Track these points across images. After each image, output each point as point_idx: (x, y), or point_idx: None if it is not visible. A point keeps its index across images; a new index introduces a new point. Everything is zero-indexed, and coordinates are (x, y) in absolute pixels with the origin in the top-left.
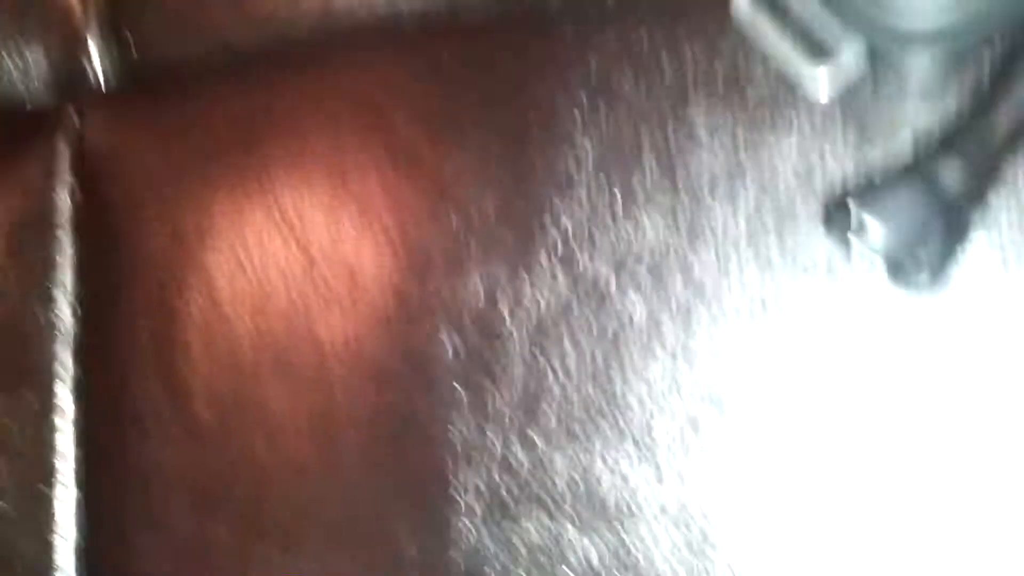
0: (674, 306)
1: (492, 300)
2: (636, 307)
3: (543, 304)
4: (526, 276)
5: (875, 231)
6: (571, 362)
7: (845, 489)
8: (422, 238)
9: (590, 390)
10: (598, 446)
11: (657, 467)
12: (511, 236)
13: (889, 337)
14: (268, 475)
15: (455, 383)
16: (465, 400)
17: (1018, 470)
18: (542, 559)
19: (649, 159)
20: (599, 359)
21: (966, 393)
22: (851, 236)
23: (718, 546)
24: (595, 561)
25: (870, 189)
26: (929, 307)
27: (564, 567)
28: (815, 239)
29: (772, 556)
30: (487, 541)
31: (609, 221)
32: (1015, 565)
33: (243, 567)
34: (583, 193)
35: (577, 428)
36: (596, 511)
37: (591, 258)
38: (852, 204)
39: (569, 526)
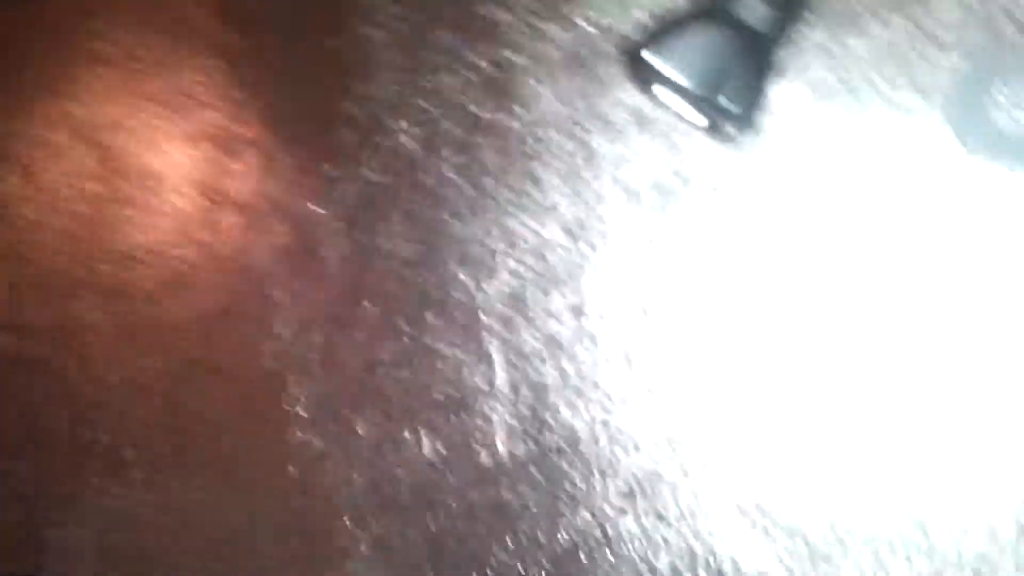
0: (492, 174)
1: (304, 191)
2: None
3: (354, 189)
4: (332, 165)
5: (673, 76)
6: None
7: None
8: (229, 136)
9: (411, 275)
10: (427, 339)
11: (489, 356)
12: (314, 126)
13: (707, 182)
14: (86, 397)
15: (272, 286)
16: (287, 301)
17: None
18: (377, 456)
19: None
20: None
21: (788, 232)
22: (653, 87)
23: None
24: (427, 451)
25: (664, 36)
26: (745, 150)
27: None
28: (624, 96)
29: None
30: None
31: (413, 98)
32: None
33: (75, 496)
34: (384, 75)
35: (401, 320)
36: (427, 404)
37: (399, 137)
38: (646, 54)
39: (404, 425)
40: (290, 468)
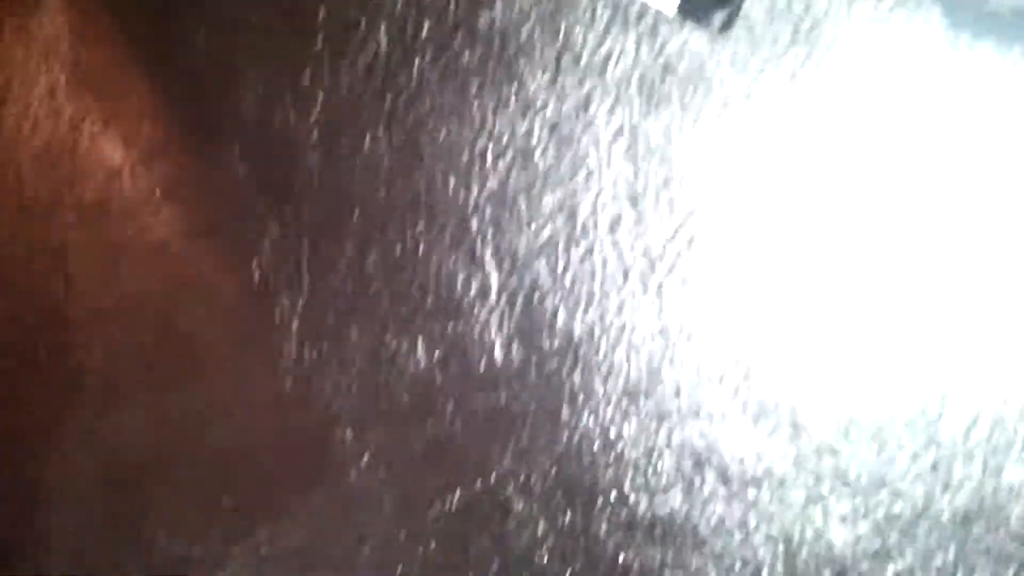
0: (473, 76)
1: (282, 103)
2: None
3: (334, 98)
4: (310, 75)
5: None
6: (379, 154)
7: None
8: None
9: (397, 182)
10: (418, 246)
11: (482, 261)
12: (288, 36)
13: (692, 74)
14: (75, 320)
15: (256, 200)
16: (271, 215)
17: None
18: (372, 366)
19: None
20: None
21: (776, 120)
22: None
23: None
24: (423, 359)
25: None
26: (730, 40)
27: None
28: None
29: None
30: (315, 357)
31: (389, 1)
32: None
33: (72, 425)
34: None
35: (390, 229)
36: (421, 312)
37: (376, 43)
38: None
39: (399, 334)
40: (286, 381)
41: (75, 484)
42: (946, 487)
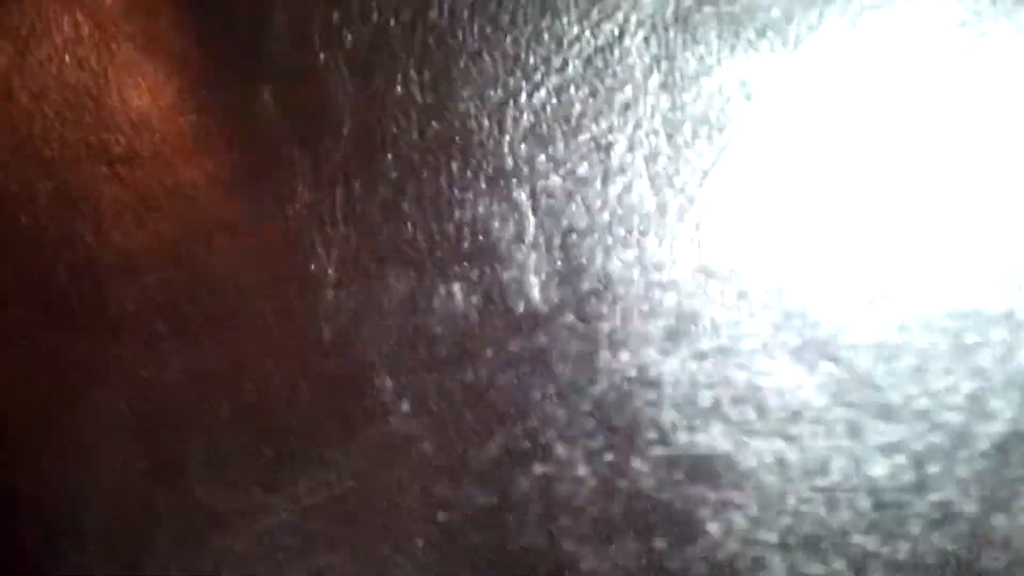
0: (506, 8)
1: (311, 43)
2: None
3: (363, 34)
4: (338, 10)
5: None
6: (410, 91)
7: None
8: None
9: (429, 122)
10: (452, 188)
11: (517, 202)
12: None
13: (733, 5)
14: (108, 266)
15: (286, 144)
16: (304, 160)
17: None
18: (410, 311)
19: None
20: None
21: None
22: None
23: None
24: (461, 303)
25: None
26: None
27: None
28: None
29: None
30: (352, 303)
31: None
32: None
33: (107, 369)
34: None
35: (424, 170)
36: (457, 255)
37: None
38: None
39: (436, 278)
40: (323, 327)
41: (113, 434)
42: (983, 417)
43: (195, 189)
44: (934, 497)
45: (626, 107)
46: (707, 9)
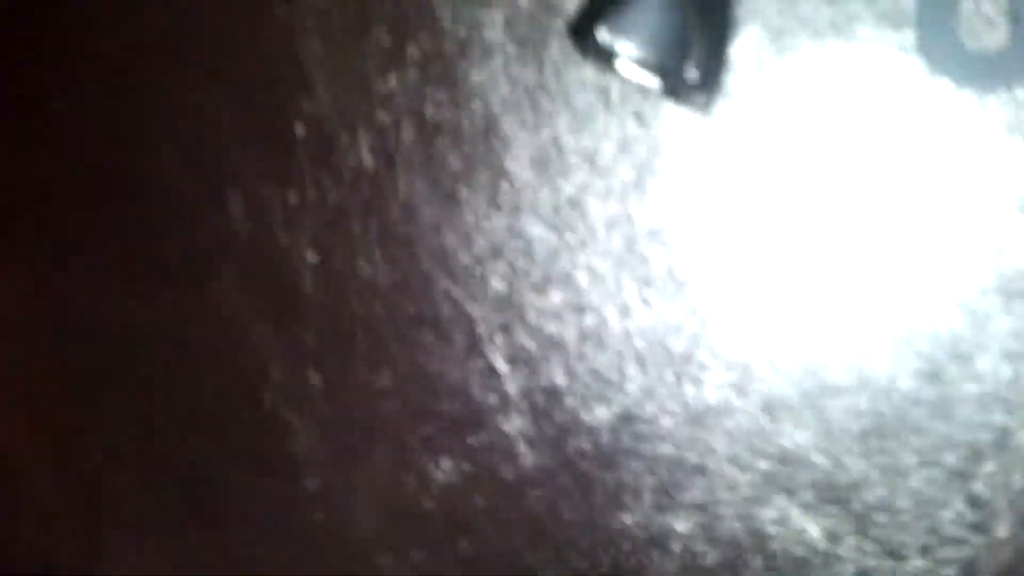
0: (460, 178)
1: (270, 223)
2: None
3: (321, 215)
4: (294, 192)
5: (633, 52)
6: (374, 270)
7: None
8: None
9: (397, 298)
10: (428, 361)
11: (494, 367)
12: (266, 153)
13: (682, 152)
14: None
15: (257, 328)
16: (276, 343)
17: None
18: (398, 489)
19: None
20: None
21: (770, 187)
22: (614, 63)
23: None
24: (450, 475)
25: (614, 8)
26: (716, 113)
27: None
28: (581, 75)
29: None
30: (339, 486)
31: (363, 109)
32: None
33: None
34: (327, 88)
35: (396, 347)
36: (440, 427)
37: (357, 154)
38: (601, 32)
39: (420, 453)
40: (315, 514)
41: None
42: (989, 544)
43: (166, 384)
44: None
45: (591, 267)
46: (660, 163)
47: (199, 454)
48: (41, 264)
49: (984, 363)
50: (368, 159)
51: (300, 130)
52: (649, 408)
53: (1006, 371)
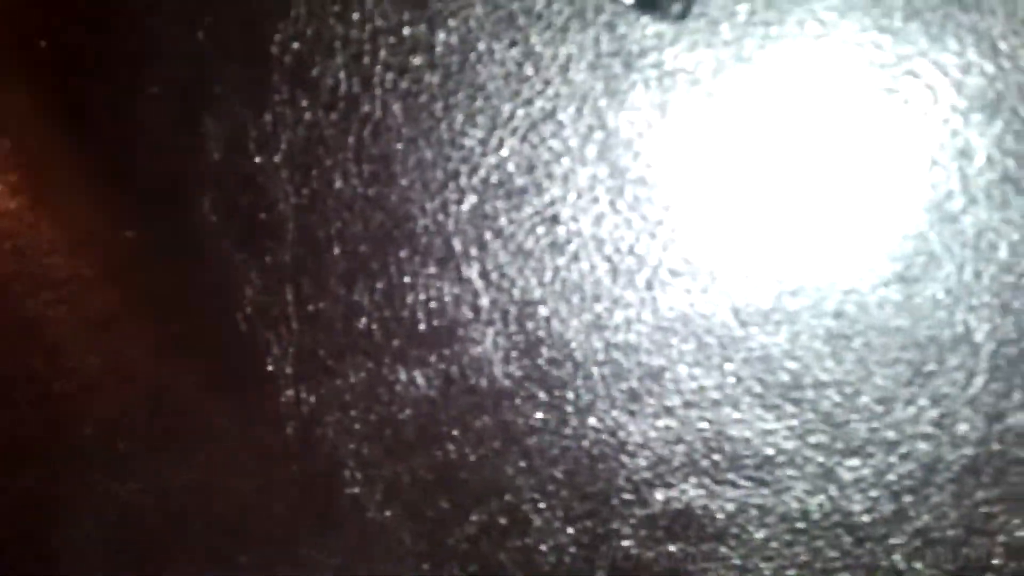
0: (436, 95)
1: (249, 144)
2: None
3: (299, 136)
4: (271, 114)
5: None
6: (352, 186)
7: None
8: None
9: (374, 213)
10: (403, 275)
11: (469, 280)
12: (245, 77)
13: (656, 66)
14: (58, 394)
15: (232, 248)
16: (251, 262)
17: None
18: (372, 402)
19: None
20: None
21: (742, 106)
22: None
23: None
24: (423, 387)
25: None
26: (690, 28)
27: (396, 404)
28: None
29: None
30: (313, 400)
31: (340, 30)
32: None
33: (74, 496)
34: (304, 11)
35: (372, 262)
36: (414, 341)
37: (334, 75)
38: None
39: (395, 366)
40: (287, 429)
41: (85, 555)
42: (952, 442)
43: (142, 306)
44: (914, 525)
45: (566, 178)
46: (634, 76)
47: (172, 375)
48: (18, 187)
49: (948, 264)
50: (343, 76)
51: (275, 50)
52: (619, 316)
53: (968, 271)
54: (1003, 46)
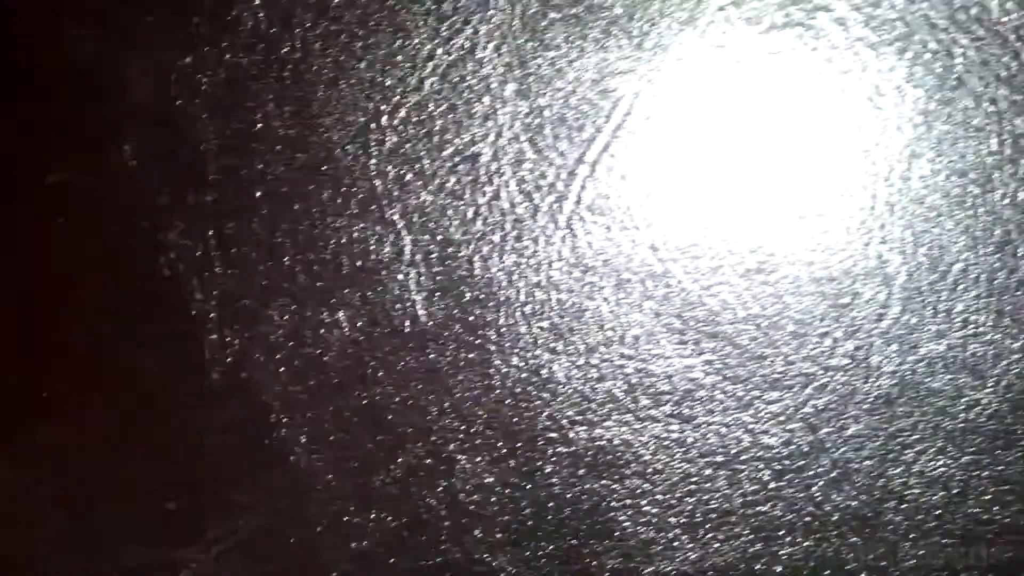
0: (356, 35)
1: (169, 89)
2: None
3: (220, 77)
4: (192, 56)
5: None
6: (272, 127)
7: None
8: None
9: (294, 154)
10: (326, 216)
11: (392, 222)
12: (163, 19)
13: (577, 6)
14: None
15: (155, 190)
16: (173, 202)
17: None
18: (297, 344)
19: None
20: None
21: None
22: None
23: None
24: (347, 328)
25: None
26: None
27: (321, 346)
28: None
29: None
30: (237, 343)
31: None
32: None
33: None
34: None
35: (295, 202)
36: (338, 282)
37: (254, 15)
38: None
39: (319, 308)
40: (212, 373)
41: (18, 508)
42: (868, 374)
43: (64, 252)
44: (831, 456)
45: (486, 117)
46: (553, 15)
47: (96, 321)
48: None
49: (861, 197)
50: (263, 16)
51: None
52: (541, 255)
53: (881, 203)
54: None
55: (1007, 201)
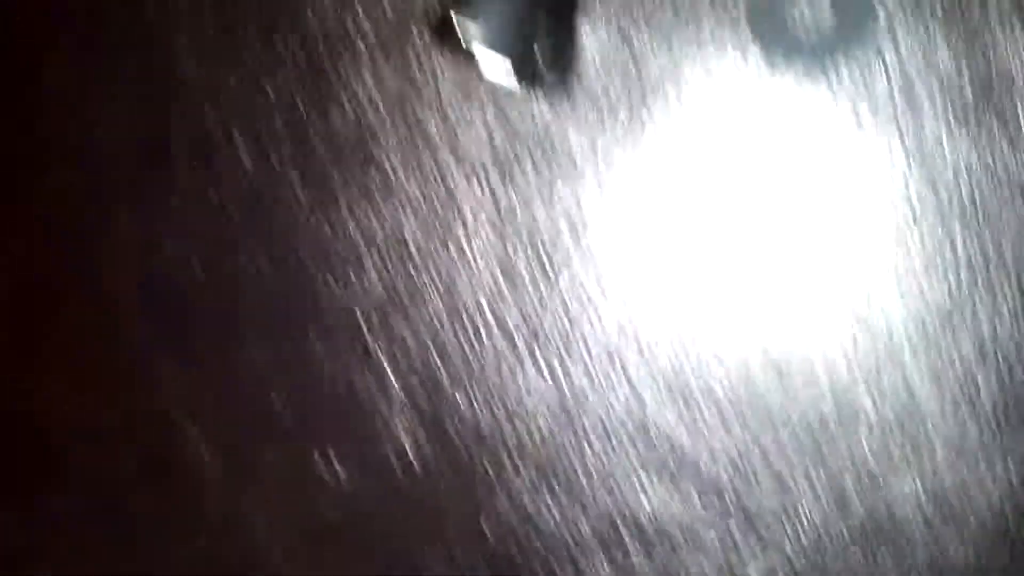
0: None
1: (155, 225)
2: None
3: (202, 215)
4: (177, 197)
5: (478, 32)
6: (256, 263)
7: None
8: None
9: (279, 290)
10: (314, 352)
11: (378, 362)
12: (146, 159)
13: (541, 142)
14: None
15: (147, 328)
16: (166, 337)
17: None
18: (292, 490)
19: None
20: None
21: (636, 172)
22: (471, 47)
23: None
24: (342, 476)
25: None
26: (569, 98)
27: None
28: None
29: None
30: (233, 484)
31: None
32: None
33: None
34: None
35: (284, 343)
36: (329, 423)
37: (237, 153)
38: (455, 16)
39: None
40: (207, 504)
41: None
42: (843, 509)
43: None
44: None
45: (461, 251)
46: (519, 147)
47: (95, 455)
48: None
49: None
50: (246, 156)
51: (172, 145)
52: (521, 395)
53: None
54: None
55: None
